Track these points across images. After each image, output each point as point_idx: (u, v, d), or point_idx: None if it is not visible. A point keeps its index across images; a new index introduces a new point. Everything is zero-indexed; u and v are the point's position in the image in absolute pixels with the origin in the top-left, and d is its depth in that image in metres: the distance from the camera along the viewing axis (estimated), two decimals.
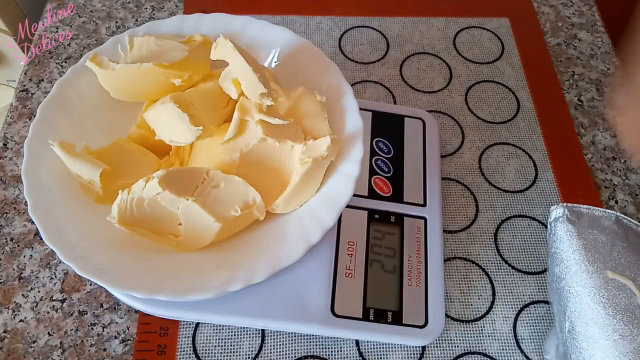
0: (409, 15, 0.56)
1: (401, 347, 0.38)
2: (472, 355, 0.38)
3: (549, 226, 0.38)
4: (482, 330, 0.39)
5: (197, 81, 0.38)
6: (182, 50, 0.38)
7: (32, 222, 0.39)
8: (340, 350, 0.38)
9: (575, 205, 0.37)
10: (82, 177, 0.34)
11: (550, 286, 0.37)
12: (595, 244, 0.35)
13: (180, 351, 0.37)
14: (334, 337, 0.38)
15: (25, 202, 0.35)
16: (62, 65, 0.50)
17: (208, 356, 0.37)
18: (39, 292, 0.39)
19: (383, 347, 0.38)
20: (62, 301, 0.39)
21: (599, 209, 0.37)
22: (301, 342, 0.38)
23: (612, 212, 0.37)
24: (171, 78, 0.36)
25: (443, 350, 0.38)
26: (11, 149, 0.45)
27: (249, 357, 0.37)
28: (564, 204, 0.37)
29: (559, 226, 0.37)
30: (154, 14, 0.55)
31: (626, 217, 0.37)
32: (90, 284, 0.39)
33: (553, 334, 0.38)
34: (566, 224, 0.36)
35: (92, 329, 0.38)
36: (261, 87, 0.34)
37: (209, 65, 0.38)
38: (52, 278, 0.40)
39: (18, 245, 0.41)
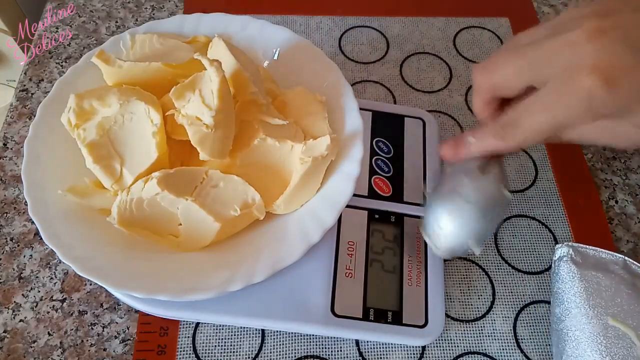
0: (409, 15, 0.55)
1: (401, 347, 0.38)
2: (472, 355, 0.38)
3: (552, 264, 0.37)
4: (482, 330, 0.39)
5: None
6: (188, 50, 0.38)
7: (32, 222, 0.39)
8: (340, 350, 0.38)
9: (582, 245, 0.36)
10: (103, 207, 0.34)
11: (551, 327, 0.36)
12: (598, 287, 0.34)
13: (180, 351, 0.37)
14: (334, 337, 0.38)
15: (25, 202, 0.35)
16: (62, 65, 0.50)
17: (208, 356, 0.37)
18: (39, 292, 0.39)
19: (383, 347, 0.38)
20: (62, 301, 0.39)
21: (607, 251, 0.36)
22: (301, 342, 0.38)
23: (621, 256, 0.36)
24: (178, 78, 0.36)
25: (443, 350, 0.38)
26: (11, 149, 0.45)
27: (249, 357, 0.37)
28: (570, 244, 0.36)
29: (562, 266, 0.36)
30: (154, 14, 0.55)
31: (635, 262, 0.35)
32: (90, 284, 0.39)
33: None
34: (569, 264, 0.35)
35: (92, 328, 0.38)
36: (251, 86, 0.34)
37: None
38: (52, 278, 0.40)
39: (18, 245, 0.41)
